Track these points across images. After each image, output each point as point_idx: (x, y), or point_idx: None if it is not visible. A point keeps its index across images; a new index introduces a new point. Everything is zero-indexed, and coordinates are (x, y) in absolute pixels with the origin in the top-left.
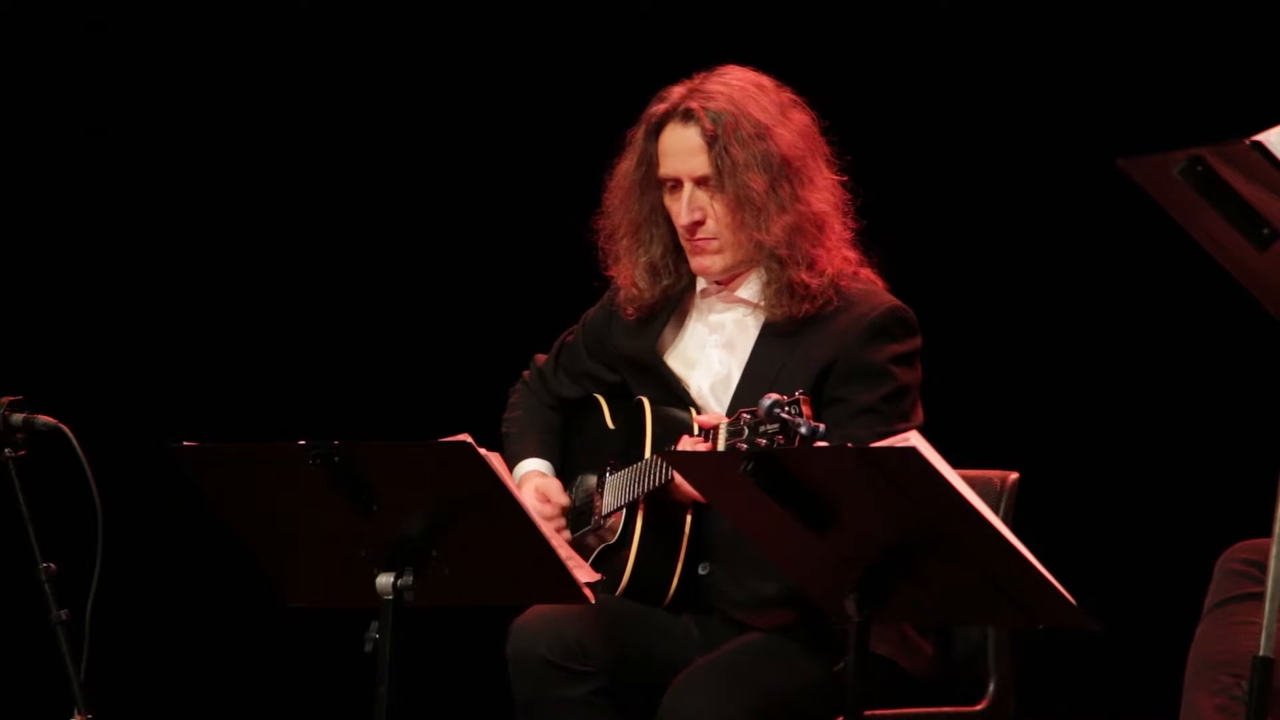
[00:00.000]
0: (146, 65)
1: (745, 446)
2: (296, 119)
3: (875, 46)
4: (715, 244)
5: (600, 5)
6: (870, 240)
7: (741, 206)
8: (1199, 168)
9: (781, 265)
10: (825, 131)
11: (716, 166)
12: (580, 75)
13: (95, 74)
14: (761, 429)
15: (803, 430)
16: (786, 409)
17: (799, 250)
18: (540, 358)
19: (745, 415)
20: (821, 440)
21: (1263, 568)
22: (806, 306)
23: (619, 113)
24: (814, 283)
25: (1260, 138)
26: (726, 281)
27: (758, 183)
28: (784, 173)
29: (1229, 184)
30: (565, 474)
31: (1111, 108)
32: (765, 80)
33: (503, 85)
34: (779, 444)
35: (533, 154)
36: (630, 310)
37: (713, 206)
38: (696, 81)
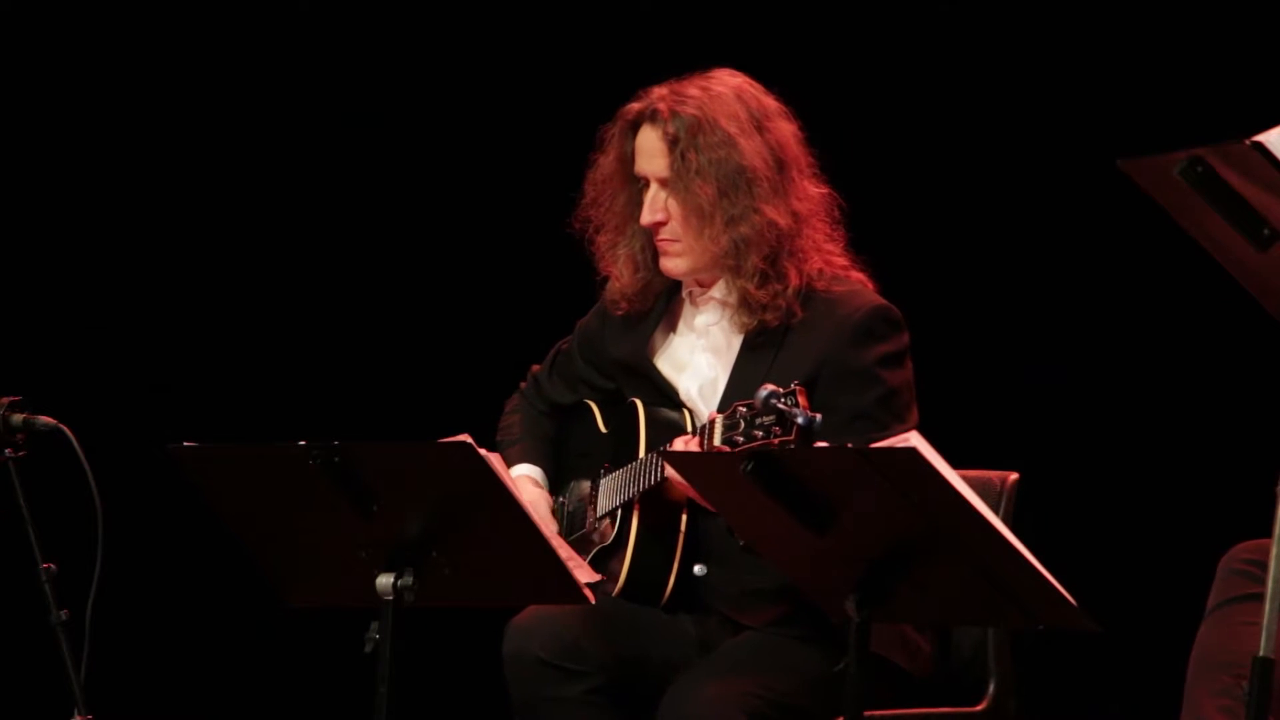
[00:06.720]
0: (146, 65)
1: (742, 439)
2: (296, 119)
3: (874, 46)
4: (678, 246)
5: (601, 5)
6: (869, 241)
7: (692, 213)
8: (1199, 168)
9: (734, 276)
10: (822, 134)
11: (675, 170)
12: (583, 83)
13: (95, 73)
14: (758, 421)
15: (799, 420)
16: (783, 399)
17: (747, 263)
18: (536, 369)
19: (741, 408)
20: (818, 430)
21: (1264, 567)
22: (769, 317)
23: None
24: (764, 296)
25: (1260, 138)
26: (707, 283)
27: (707, 191)
28: (740, 184)
29: (1229, 184)
30: (558, 479)
31: (1111, 108)
32: (750, 88)
33: (505, 90)
34: (776, 435)
35: (532, 158)
36: (622, 305)
37: (672, 209)
38: (681, 83)
